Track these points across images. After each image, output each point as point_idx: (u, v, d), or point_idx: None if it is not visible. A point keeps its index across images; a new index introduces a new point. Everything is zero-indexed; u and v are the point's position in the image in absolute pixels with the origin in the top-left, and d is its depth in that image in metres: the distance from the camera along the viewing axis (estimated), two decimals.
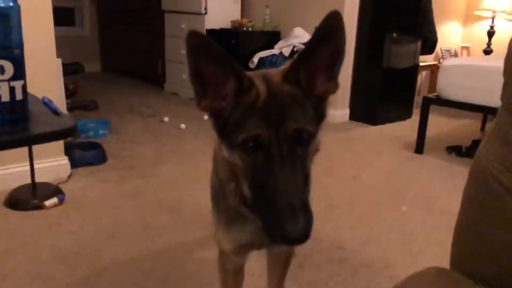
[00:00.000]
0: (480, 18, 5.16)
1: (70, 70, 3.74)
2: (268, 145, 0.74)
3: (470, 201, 0.87)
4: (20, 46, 0.78)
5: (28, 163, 2.12)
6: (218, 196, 1.01)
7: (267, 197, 0.73)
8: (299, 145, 0.76)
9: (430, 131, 3.22)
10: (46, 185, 2.21)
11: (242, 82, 0.77)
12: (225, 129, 0.79)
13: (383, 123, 3.99)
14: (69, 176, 2.41)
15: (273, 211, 0.71)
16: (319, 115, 0.82)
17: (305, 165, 0.79)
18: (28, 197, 2.09)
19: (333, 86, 0.82)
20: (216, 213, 1.04)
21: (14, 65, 0.76)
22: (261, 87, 0.78)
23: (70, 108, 3.50)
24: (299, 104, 0.78)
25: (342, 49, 0.79)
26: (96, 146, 2.77)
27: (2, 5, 0.73)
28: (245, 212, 0.93)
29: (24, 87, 0.79)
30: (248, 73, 0.81)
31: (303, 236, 0.71)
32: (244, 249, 1.05)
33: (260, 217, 0.77)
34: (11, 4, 0.75)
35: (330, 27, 0.76)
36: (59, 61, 2.66)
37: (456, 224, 0.91)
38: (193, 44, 0.74)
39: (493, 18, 4.90)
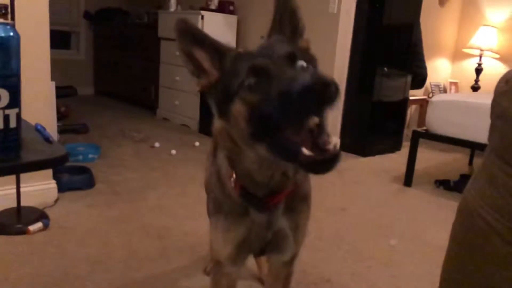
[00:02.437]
0: (468, 55, 5.31)
1: (63, 93, 3.74)
2: (266, 70, 0.73)
3: (458, 240, 0.88)
4: (17, 74, 0.79)
5: (14, 186, 2.09)
6: (220, 195, 1.00)
7: (279, 97, 0.66)
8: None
9: (419, 164, 3.26)
10: (31, 209, 2.18)
11: (220, 49, 0.86)
12: (221, 92, 0.83)
13: (372, 155, 4.03)
14: (56, 201, 2.38)
15: (286, 88, 0.65)
16: (310, 63, 0.85)
17: None
18: (12, 221, 2.05)
19: (305, 42, 0.91)
20: (215, 219, 1.03)
21: (10, 93, 0.76)
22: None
23: (60, 131, 3.48)
24: (287, 43, 0.85)
25: (294, 10, 0.91)
26: (85, 170, 2.75)
27: (2, 35, 0.74)
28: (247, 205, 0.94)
29: (18, 115, 0.79)
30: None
31: (326, 82, 0.62)
32: (242, 252, 1.02)
33: (274, 140, 0.71)
34: (11, 34, 0.76)
35: (281, 4, 0.90)
36: (53, 84, 2.66)
37: (444, 262, 0.91)
38: (180, 29, 0.85)
39: (480, 56, 5.05)
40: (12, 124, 0.78)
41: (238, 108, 0.76)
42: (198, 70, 0.88)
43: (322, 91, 0.62)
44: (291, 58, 0.76)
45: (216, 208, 1.03)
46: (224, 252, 1.02)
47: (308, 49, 0.92)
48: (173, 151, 3.56)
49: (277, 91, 0.67)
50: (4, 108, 0.76)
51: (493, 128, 0.84)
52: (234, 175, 0.91)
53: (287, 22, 0.92)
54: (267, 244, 1.01)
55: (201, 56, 0.87)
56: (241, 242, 0.99)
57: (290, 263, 1.15)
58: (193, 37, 0.86)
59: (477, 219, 0.80)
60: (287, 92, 0.65)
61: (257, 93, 0.73)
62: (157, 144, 3.73)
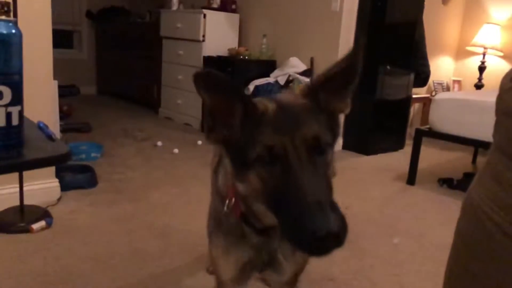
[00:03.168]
0: (471, 53, 5.29)
1: (66, 92, 3.75)
2: (285, 155, 0.72)
3: (462, 238, 0.87)
4: (20, 72, 0.79)
5: (17, 184, 2.10)
6: (219, 217, 0.98)
7: (290, 206, 0.70)
8: (317, 154, 0.75)
9: (422, 162, 3.25)
10: (34, 208, 2.18)
11: (247, 105, 0.77)
12: (237, 154, 0.78)
13: (375, 153, 4.02)
14: (59, 199, 2.38)
15: (299, 215, 0.68)
16: (333, 131, 0.82)
17: (327, 175, 0.77)
18: (15, 220, 2.05)
19: (345, 105, 0.85)
20: (215, 239, 1.01)
21: (12, 90, 0.76)
22: (270, 104, 0.79)
23: (63, 130, 3.49)
24: (312, 115, 0.78)
25: (357, 70, 0.82)
26: (87, 169, 2.75)
27: (5, 32, 0.74)
28: (245, 229, 0.93)
29: (20, 113, 0.79)
30: (259, 99, 0.82)
31: (336, 233, 0.68)
32: (244, 272, 1.01)
33: (286, 233, 0.73)
34: (13, 31, 0.76)
35: (352, 55, 0.81)
36: (56, 83, 2.67)
37: (448, 260, 0.90)
38: (203, 85, 0.75)
39: (484, 54, 5.03)
40: (15, 121, 0.78)
41: (253, 180, 0.76)
42: (213, 122, 0.79)
43: (331, 242, 0.71)
44: (313, 148, 0.75)
45: (216, 224, 1.02)
46: (227, 274, 1.02)
47: (343, 112, 0.85)
48: (176, 150, 3.56)
49: (289, 204, 0.70)
50: (6, 106, 0.76)
51: (498, 125, 0.83)
52: (233, 200, 0.90)
53: (339, 79, 0.82)
54: (265, 263, 1.00)
55: (223, 106, 0.78)
56: (242, 265, 0.98)
57: (291, 284, 1.10)
58: (218, 90, 0.76)
59: (482, 217, 0.79)
60: (298, 223, 0.68)
61: (272, 173, 0.73)
62: (159, 143, 3.74)
